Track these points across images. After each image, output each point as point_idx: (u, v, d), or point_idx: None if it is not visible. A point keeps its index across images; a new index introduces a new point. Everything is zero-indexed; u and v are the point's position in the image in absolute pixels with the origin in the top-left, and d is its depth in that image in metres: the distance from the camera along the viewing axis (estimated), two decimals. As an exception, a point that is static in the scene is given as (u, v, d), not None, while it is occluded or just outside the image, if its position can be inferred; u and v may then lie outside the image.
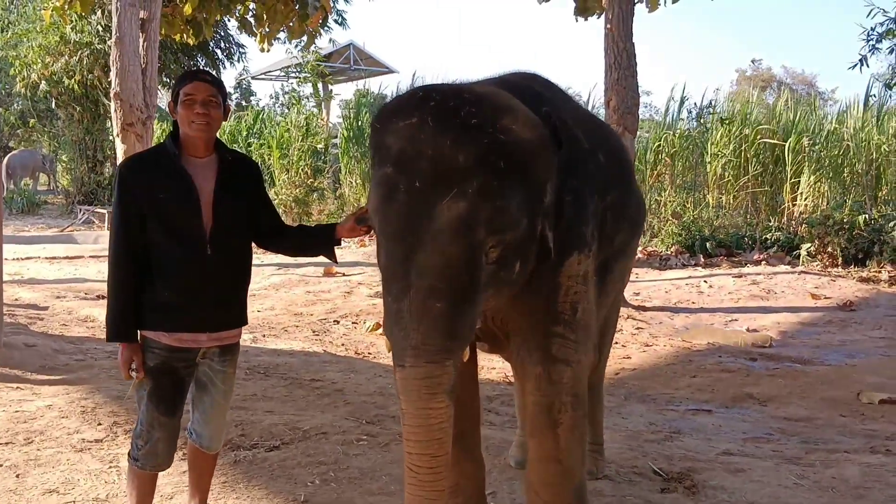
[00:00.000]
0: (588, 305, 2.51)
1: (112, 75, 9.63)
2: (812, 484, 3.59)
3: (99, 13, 16.25)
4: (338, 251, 2.77)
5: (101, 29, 16.67)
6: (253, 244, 2.76)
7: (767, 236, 11.69)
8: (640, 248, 10.98)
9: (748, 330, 7.44)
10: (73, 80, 17.77)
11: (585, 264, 2.47)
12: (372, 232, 2.49)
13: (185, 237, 2.52)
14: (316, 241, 2.78)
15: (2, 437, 3.76)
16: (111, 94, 9.46)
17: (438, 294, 1.95)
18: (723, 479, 3.63)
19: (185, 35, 10.99)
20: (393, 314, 2.00)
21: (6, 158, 21.95)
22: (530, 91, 2.48)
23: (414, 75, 16.56)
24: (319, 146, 16.90)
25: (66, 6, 9.98)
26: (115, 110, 8.82)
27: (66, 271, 10.41)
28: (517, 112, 2.11)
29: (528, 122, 2.11)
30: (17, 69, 18.41)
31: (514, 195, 2.03)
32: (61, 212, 19.98)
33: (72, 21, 16.34)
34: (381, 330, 2.24)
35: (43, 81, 18.18)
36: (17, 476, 3.34)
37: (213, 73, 2.58)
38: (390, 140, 2.06)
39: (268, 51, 11.30)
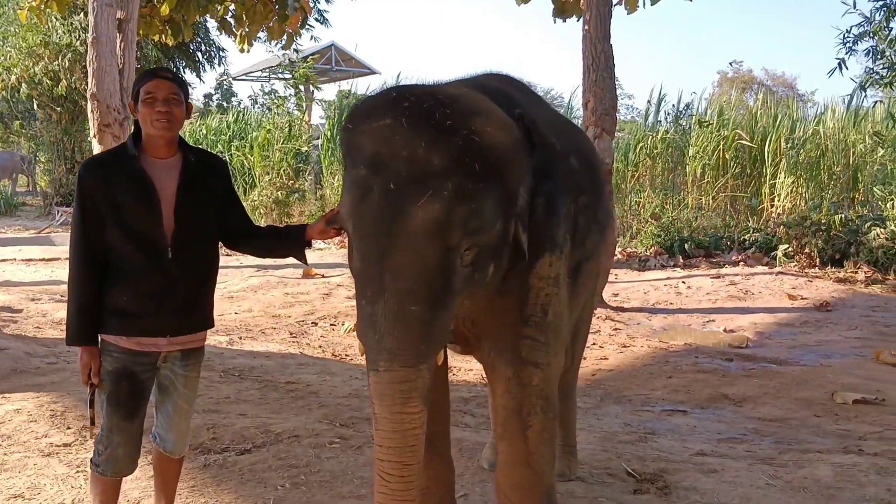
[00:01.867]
0: (559, 308, 2.50)
1: (89, 76, 9.55)
2: (784, 484, 3.60)
3: (82, 15, 16.11)
4: (318, 253, 2.78)
5: (81, 30, 16.53)
6: (221, 246, 2.71)
7: (746, 237, 11.77)
8: (618, 249, 11.04)
9: (725, 330, 7.48)
10: (53, 83, 17.62)
11: (557, 266, 2.46)
12: (343, 234, 2.48)
13: (145, 241, 2.46)
14: (286, 243, 2.73)
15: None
16: (88, 95, 9.40)
17: (413, 297, 1.94)
18: (695, 479, 3.63)
19: (163, 36, 10.92)
20: (367, 317, 1.99)
21: (-17, 160, 21.75)
22: (503, 93, 2.48)
23: (398, 76, 16.56)
24: (303, 148, 16.85)
25: (43, 6, 9.90)
26: (93, 111, 8.75)
27: (42, 273, 10.31)
28: (491, 114, 2.12)
29: (502, 124, 2.12)
30: (-2, 71, 18.23)
31: (489, 197, 2.03)
32: (39, 213, 19.80)
33: (50, 22, 16.21)
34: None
35: (23, 84, 18.00)
36: (18, 472, 3.30)
37: (177, 71, 2.49)
38: (363, 141, 2.04)
39: (248, 51, 11.25)
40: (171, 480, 2.82)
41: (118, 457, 2.57)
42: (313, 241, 2.76)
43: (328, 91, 25.17)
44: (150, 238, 2.46)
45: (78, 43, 16.93)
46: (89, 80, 9.53)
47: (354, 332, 6.66)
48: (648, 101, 15.05)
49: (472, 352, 2.73)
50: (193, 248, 2.53)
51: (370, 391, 2.02)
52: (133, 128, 2.58)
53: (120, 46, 9.40)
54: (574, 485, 3.50)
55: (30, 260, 11.54)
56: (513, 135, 2.13)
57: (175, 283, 2.49)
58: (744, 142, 13.24)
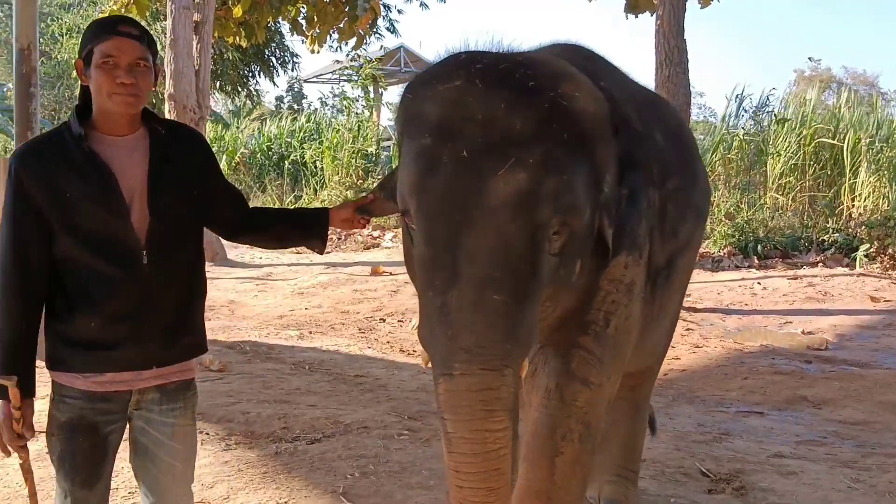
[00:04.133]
0: (625, 322, 2.08)
1: (167, 77, 9.83)
2: (867, 488, 3.47)
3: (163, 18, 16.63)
4: (385, 251, 2.23)
5: (161, 34, 17.07)
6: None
7: (824, 238, 11.39)
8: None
9: (803, 332, 7.23)
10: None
11: (633, 271, 2.06)
12: (369, 224, 2.27)
13: (110, 246, 1.86)
14: (300, 230, 2.21)
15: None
16: (165, 96, 9.67)
17: (495, 284, 1.58)
18: (773, 481, 3.52)
19: (237, 38, 11.18)
20: (436, 311, 1.61)
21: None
22: (580, 66, 2.06)
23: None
24: (371, 149, 17.04)
25: (123, 10, 10.23)
26: (169, 111, 9.02)
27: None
28: (580, 80, 1.80)
29: (592, 92, 1.80)
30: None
31: (580, 172, 1.70)
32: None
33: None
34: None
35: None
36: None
37: (140, 24, 1.96)
38: (428, 107, 1.72)
39: (318, 52, 11.41)
40: None
41: None
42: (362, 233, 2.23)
43: (396, 93, 25.40)
44: (117, 242, 1.87)
45: (159, 46, 17.45)
46: (167, 81, 9.82)
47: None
48: (727, 99, 14.71)
49: None
50: (175, 250, 1.96)
51: (439, 403, 1.62)
52: (80, 97, 1.97)
53: (196, 48, 9.68)
54: (646, 483, 3.42)
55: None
56: (603, 107, 1.81)
57: (155, 298, 1.90)
58: (826, 140, 12.82)
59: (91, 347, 1.87)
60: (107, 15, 9.59)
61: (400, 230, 13.67)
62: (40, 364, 1.91)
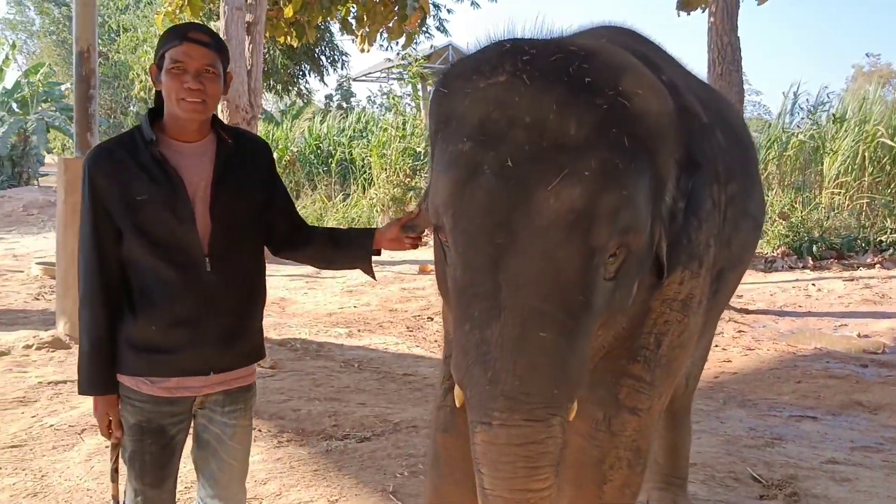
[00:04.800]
0: (678, 339, 1.90)
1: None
2: (925, 497, 3.39)
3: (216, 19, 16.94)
4: (427, 249, 2.09)
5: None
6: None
7: (882, 239, 11.09)
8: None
9: (859, 335, 7.06)
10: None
11: (689, 285, 1.86)
12: (421, 243, 2.09)
13: (174, 251, 1.90)
14: (347, 253, 2.12)
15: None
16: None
17: (543, 319, 1.38)
18: (826, 487, 3.47)
19: (288, 37, 11.32)
20: (473, 347, 1.41)
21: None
22: (637, 52, 1.83)
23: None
24: (418, 148, 17.09)
25: (178, 10, 10.43)
26: (222, 111, 9.18)
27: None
28: (641, 73, 1.57)
29: (655, 88, 1.57)
30: (136, 73, 19.34)
31: (641, 184, 1.48)
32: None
33: (184, 26, 17.11)
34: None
35: (159, 84, 19.09)
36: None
37: (212, 31, 1.99)
38: (467, 106, 1.50)
39: (368, 51, 11.48)
40: None
41: None
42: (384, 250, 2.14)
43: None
44: (181, 247, 1.90)
45: (212, 48, 17.79)
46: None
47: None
48: (784, 95, 14.41)
49: None
50: (236, 257, 1.97)
51: (476, 453, 1.42)
52: (154, 101, 2.01)
53: (248, 48, 9.83)
54: (696, 487, 3.40)
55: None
56: (667, 104, 1.58)
57: (217, 303, 1.94)
58: (885, 140, 12.48)
59: (152, 351, 1.91)
60: (167, 16, 9.79)
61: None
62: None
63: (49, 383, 4.52)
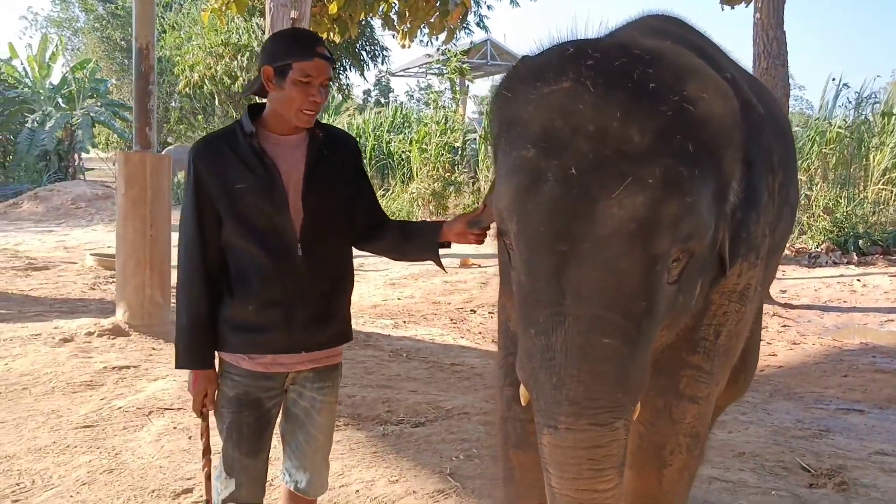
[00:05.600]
0: (736, 327, 1.96)
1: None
2: (975, 488, 3.41)
3: (259, 17, 17.19)
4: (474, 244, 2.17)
5: (259, 31, 17.67)
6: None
7: (929, 234, 10.97)
8: (787, 245, 10.54)
9: (906, 331, 7.05)
10: (232, 81, 18.91)
11: (748, 276, 1.90)
12: (484, 237, 2.14)
13: (270, 237, 2.04)
14: (417, 244, 2.22)
15: (174, 404, 4.10)
16: (265, 92, 9.97)
17: (606, 326, 1.42)
18: (875, 477, 3.51)
19: (331, 33, 11.47)
20: (538, 352, 1.45)
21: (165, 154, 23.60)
22: (695, 45, 1.85)
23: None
24: (457, 143, 17.19)
25: (224, 7, 10.62)
26: (268, 107, 9.34)
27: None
28: (707, 76, 1.57)
29: (720, 90, 1.57)
30: (182, 69, 19.71)
31: (705, 189, 1.49)
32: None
33: (231, 23, 17.39)
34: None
35: (206, 82, 19.41)
36: (189, 437, 3.64)
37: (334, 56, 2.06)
38: (530, 112, 1.52)
39: (409, 47, 11.58)
40: None
41: (240, 498, 2.16)
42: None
43: (482, 86, 25.49)
44: (276, 233, 2.04)
45: (255, 43, 18.06)
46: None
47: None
48: (827, 89, 14.23)
49: None
50: (326, 244, 2.11)
51: (543, 454, 1.48)
52: (257, 93, 2.13)
53: (294, 46, 9.97)
54: (746, 475, 3.46)
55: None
56: (732, 106, 1.58)
57: (307, 287, 2.07)
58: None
59: (249, 330, 2.05)
60: (213, 12, 9.97)
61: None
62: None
63: (113, 368, 4.70)
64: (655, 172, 1.41)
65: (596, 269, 1.41)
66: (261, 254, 2.03)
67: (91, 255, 9.62)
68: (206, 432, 2.19)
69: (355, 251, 2.24)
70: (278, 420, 2.22)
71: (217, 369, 2.12)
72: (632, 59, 1.51)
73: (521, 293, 1.52)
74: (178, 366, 2.10)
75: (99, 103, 23.74)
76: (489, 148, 16.03)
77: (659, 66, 1.51)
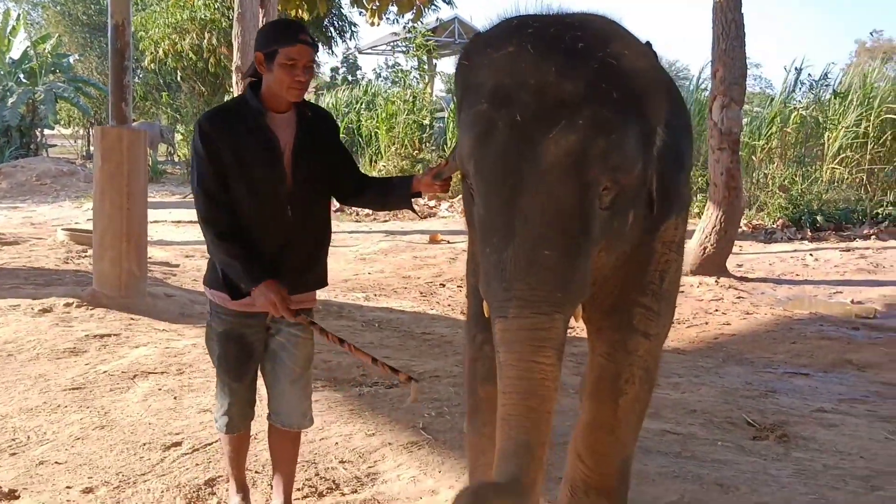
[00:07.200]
0: (676, 275, 2.33)
1: (234, 50, 10.24)
2: (904, 439, 3.73)
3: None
4: (442, 220, 2.54)
5: (224, 7, 17.58)
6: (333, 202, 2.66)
7: (879, 211, 11.40)
8: (744, 221, 10.90)
9: (853, 302, 7.41)
10: (198, 57, 18.80)
11: (682, 230, 2.29)
12: (446, 188, 2.49)
13: (267, 197, 2.39)
14: (394, 196, 2.59)
15: (157, 368, 4.29)
16: (233, 69, 10.07)
17: (547, 242, 1.70)
18: (814, 431, 3.81)
19: (300, 10, 11.53)
20: (493, 266, 1.74)
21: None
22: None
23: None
24: (425, 121, 17.30)
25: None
26: (237, 83, 9.43)
27: (191, 234, 11.16)
28: (628, 38, 1.89)
29: (640, 49, 1.89)
30: (147, 45, 19.54)
31: (629, 130, 1.77)
32: (182, 180, 21.14)
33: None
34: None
35: (169, 57, 19.27)
36: (175, 398, 3.84)
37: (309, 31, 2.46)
38: (483, 75, 1.83)
39: (377, 25, 11.67)
40: (287, 459, 2.68)
41: (231, 415, 2.59)
42: (430, 199, 2.65)
43: (451, 64, 25.49)
44: (272, 195, 2.39)
45: (224, 21, 17.95)
46: (234, 54, 10.24)
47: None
48: (786, 70, 14.60)
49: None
50: (310, 205, 2.47)
51: (496, 339, 1.75)
52: (254, 74, 2.46)
53: (262, 22, 10.05)
54: (696, 429, 3.74)
55: (179, 222, 12.48)
56: (651, 62, 1.90)
57: (295, 242, 2.44)
58: (892, 115, 12.69)
59: None
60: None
61: (457, 199, 14.03)
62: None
63: (95, 336, 4.85)
64: (585, 116, 1.70)
65: (539, 196, 1.70)
66: (260, 211, 2.39)
67: (62, 229, 9.65)
68: (327, 335, 2.47)
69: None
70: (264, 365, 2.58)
71: (208, 307, 2.53)
72: (564, 26, 1.84)
73: (480, 223, 1.82)
74: (250, 285, 2.34)
75: (62, 79, 23.44)
76: (455, 126, 16.10)
77: (586, 31, 1.83)
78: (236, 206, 2.38)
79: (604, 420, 2.30)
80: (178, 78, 20.97)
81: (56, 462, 3.09)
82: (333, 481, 3.01)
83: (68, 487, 2.88)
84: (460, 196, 14.24)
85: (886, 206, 11.51)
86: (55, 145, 26.52)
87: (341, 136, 2.72)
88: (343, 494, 2.91)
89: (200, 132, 2.36)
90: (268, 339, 2.54)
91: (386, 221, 12.88)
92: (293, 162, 2.41)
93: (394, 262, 9.28)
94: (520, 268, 1.70)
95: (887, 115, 12.80)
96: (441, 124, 18.40)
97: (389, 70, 22.83)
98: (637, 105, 1.81)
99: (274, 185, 2.39)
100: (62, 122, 26.89)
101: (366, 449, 3.30)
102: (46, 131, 24.62)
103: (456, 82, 2.02)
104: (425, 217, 13.21)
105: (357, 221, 12.85)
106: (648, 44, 1.99)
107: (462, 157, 1.86)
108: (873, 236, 10.59)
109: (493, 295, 1.74)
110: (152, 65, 19.99)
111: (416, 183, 2.51)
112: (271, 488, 2.91)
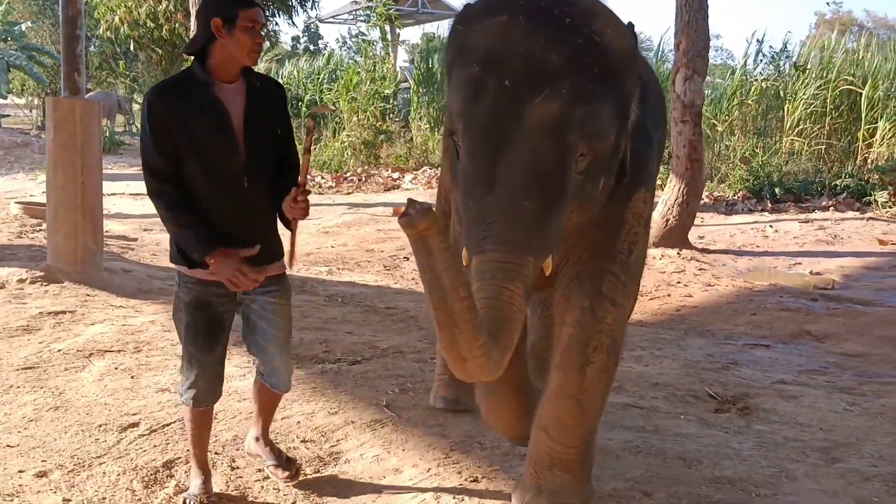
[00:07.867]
0: (642, 251, 2.46)
1: (192, 18, 9.99)
2: (861, 410, 3.79)
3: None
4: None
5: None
6: None
7: (837, 183, 11.56)
8: (706, 193, 10.98)
9: (812, 273, 7.52)
10: (155, 25, 18.33)
11: (650, 205, 2.42)
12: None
13: (222, 171, 2.37)
14: (278, 200, 2.46)
15: (114, 346, 4.19)
16: (190, 37, 9.82)
17: (525, 192, 1.88)
18: (775, 403, 3.85)
19: (260, -22, 11.31)
20: (474, 214, 1.93)
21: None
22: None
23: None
24: (388, 91, 17.07)
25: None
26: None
27: (149, 207, 10.78)
28: (610, 17, 2.06)
29: (621, 28, 2.06)
30: (101, 13, 19.00)
31: (606, 102, 1.96)
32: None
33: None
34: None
35: (125, 25, 18.77)
36: (132, 377, 3.76)
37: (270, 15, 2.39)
38: (477, 40, 1.99)
39: (340, -6, 11.48)
40: (271, 409, 2.86)
41: (198, 388, 2.52)
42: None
43: (414, 34, 25.26)
44: (226, 167, 2.37)
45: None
46: (191, 21, 10.00)
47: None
48: (747, 42, 14.72)
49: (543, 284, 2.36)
50: (264, 177, 2.45)
51: (471, 274, 1.90)
52: (202, 46, 2.37)
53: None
54: (659, 402, 3.76)
55: (137, 195, 12.19)
56: (630, 41, 2.07)
57: (252, 212, 2.43)
58: (851, 87, 12.83)
59: None
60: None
61: (420, 171, 13.94)
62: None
63: (49, 313, 4.72)
64: (567, 85, 1.89)
65: (523, 153, 1.89)
66: (215, 185, 2.38)
67: (16, 202, 9.39)
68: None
69: None
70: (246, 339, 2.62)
71: (175, 279, 2.51)
72: (554, 1, 1.99)
73: (464, 176, 2.00)
74: (201, 257, 2.36)
75: (14, 47, 22.73)
76: (420, 98, 15.94)
77: (574, 7, 1.99)
78: (191, 181, 2.36)
79: (571, 389, 2.36)
80: (132, 47, 20.44)
81: (7, 445, 3.01)
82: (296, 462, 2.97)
83: (20, 472, 2.79)
84: (423, 168, 14.34)
85: (844, 177, 11.67)
86: (8, 115, 25.78)
87: (303, 107, 2.63)
88: (305, 475, 2.87)
89: (148, 107, 2.34)
90: (247, 312, 2.54)
91: (349, 194, 12.75)
92: (245, 133, 2.39)
93: (357, 234, 9.19)
94: (499, 210, 1.88)
95: (845, 87, 12.95)
96: (406, 95, 18.20)
97: (353, 39, 22.50)
98: (615, 80, 1.98)
99: (228, 157, 2.37)
100: (15, 92, 26.12)
101: (328, 428, 3.26)
102: (0, 101, 23.92)
103: (449, 45, 2.17)
104: (389, 189, 13.11)
105: (320, 194, 12.69)
106: (630, 25, 2.11)
107: (452, 114, 2.03)
108: (832, 208, 10.75)
109: (472, 239, 1.93)
110: (108, 33, 19.46)
111: (284, 202, 2.41)
112: (232, 470, 2.87)
